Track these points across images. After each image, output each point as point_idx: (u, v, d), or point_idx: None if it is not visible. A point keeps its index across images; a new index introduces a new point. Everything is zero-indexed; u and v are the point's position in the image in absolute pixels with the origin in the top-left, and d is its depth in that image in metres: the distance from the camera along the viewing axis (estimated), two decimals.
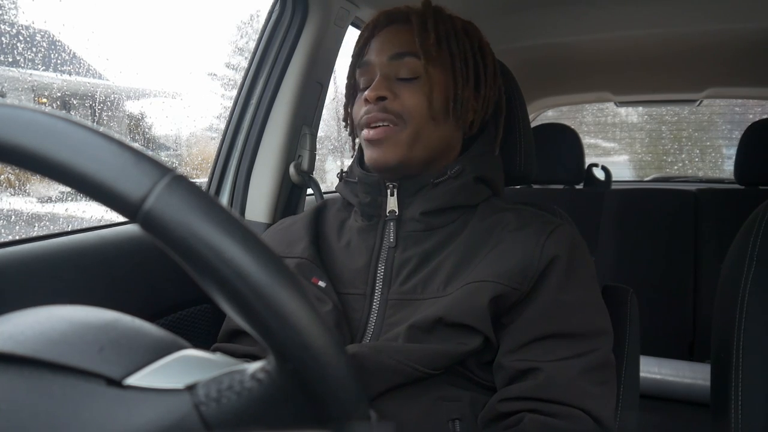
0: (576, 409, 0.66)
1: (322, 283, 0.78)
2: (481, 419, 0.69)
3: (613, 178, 2.39)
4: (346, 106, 0.88)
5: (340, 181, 0.89)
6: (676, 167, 3.91)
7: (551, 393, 0.66)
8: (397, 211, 0.81)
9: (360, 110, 0.81)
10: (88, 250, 0.94)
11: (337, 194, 0.90)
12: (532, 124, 1.95)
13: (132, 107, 1.52)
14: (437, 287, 0.74)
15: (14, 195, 1.14)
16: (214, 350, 0.83)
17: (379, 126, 0.78)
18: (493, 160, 0.86)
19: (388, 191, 0.81)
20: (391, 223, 0.81)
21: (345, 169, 0.90)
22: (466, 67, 0.81)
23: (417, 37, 0.78)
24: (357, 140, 0.89)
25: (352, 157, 0.92)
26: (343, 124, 0.90)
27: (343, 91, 0.89)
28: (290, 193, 1.31)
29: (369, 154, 0.79)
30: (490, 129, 0.87)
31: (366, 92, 0.78)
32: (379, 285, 0.78)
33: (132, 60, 1.29)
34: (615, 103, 2.87)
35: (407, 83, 0.79)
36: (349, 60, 0.88)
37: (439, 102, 0.79)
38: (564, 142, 2.17)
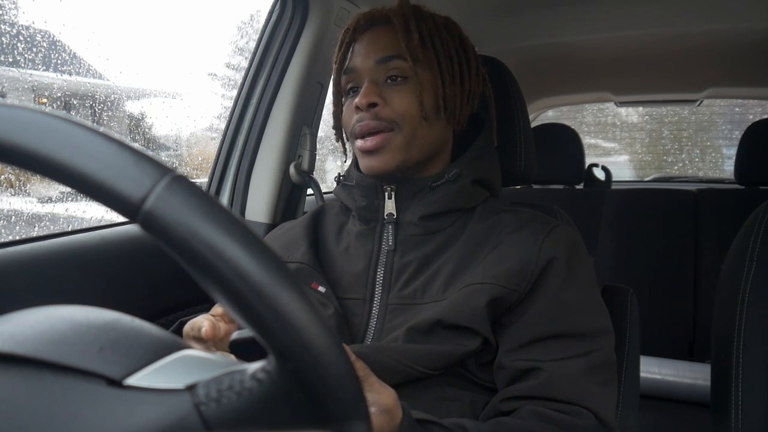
0: (579, 407, 0.66)
1: (322, 288, 0.78)
2: (483, 418, 0.69)
3: (614, 178, 2.39)
4: (335, 114, 0.86)
5: (338, 184, 0.88)
6: (676, 167, 3.91)
7: (553, 392, 0.66)
8: (395, 214, 0.80)
9: (351, 118, 0.79)
10: (89, 250, 0.94)
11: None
12: (532, 124, 1.94)
13: (132, 107, 1.52)
14: (436, 291, 0.74)
15: (14, 195, 1.14)
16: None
17: (374, 134, 0.76)
18: (491, 162, 0.85)
19: (386, 194, 0.81)
20: (390, 227, 0.80)
21: (343, 172, 0.89)
22: (451, 64, 0.80)
23: (402, 39, 0.77)
24: (348, 146, 0.88)
25: (345, 160, 0.91)
26: (333, 132, 0.88)
27: None
28: (290, 193, 1.31)
29: (366, 163, 0.78)
30: (486, 128, 0.86)
31: (356, 99, 0.77)
32: (378, 289, 0.77)
33: (132, 60, 1.29)
34: (615, 103, 2.87)
35: (396, 86, 0.78)
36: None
37: (429, 102, 0.78)
38: (564, 142, 2.17)
